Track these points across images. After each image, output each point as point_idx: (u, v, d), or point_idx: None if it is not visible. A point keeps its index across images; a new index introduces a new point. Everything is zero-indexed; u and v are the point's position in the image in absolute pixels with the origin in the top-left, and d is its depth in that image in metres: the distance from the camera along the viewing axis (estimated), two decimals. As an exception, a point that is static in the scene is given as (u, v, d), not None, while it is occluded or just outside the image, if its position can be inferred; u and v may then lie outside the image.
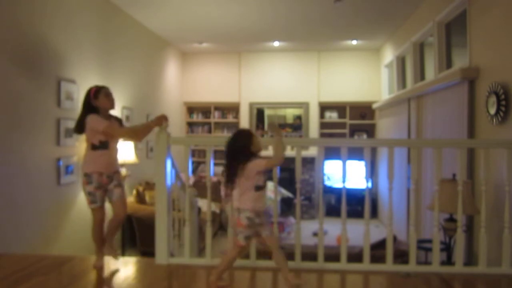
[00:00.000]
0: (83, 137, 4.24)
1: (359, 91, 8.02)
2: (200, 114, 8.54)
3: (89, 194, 2.81)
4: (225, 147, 2.39)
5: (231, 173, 2.34)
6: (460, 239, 2.84)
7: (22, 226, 3.48)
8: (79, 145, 4.30)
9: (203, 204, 5.52)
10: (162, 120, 2.82)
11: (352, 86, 8.07)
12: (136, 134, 2.91)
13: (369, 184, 3.04)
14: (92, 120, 2.77)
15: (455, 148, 2.89)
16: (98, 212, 2.88)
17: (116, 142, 2.91)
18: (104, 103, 2.89)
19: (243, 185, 2.36)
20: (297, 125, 8.25)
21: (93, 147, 2.80)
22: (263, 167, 2.35)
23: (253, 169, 2.33)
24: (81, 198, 4.32)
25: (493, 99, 3.24)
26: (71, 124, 4.13)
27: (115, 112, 5.23)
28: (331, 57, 8.14)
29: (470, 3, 3.79)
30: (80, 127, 2.84)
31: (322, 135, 8.16)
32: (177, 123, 7.91)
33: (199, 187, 6.06)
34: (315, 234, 6.02)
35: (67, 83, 4.09)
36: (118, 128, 2.90)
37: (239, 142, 2.37)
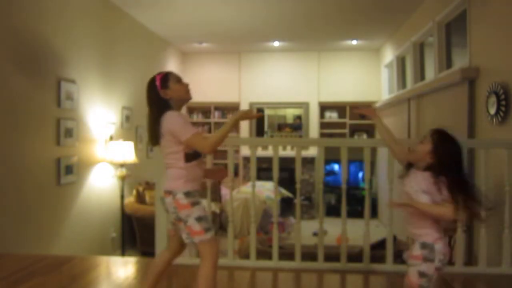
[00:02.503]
0: (83, 137, 4.22)
1: (359, 91, 8.02)
2: (200, 114, 8.53)
3: (200, 219, 2.03)
4: None
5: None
6: (460, 239, 2.83)
7: (22, 226, 3.48)
8: (79, 145, 4.30)
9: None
10: (248, 114, 2.19)
11: (352, 86, 8.06)
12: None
13: (369, 185, 3.04)
14: (176, 120, 2.04)
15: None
16: (216, 244, 2.11)
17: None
18: (179, 92, 2.17)
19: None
20: (297, 125, 8.24)
21: (187, 157, 2.08)
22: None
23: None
24: (81, 198, 4.33)
25: (493, 99, 3.24)
26: (71, 124, 4.14)
27: (116, 113, 5.27)
28: (331, 57, 8.13)
29: (470, 3, 3.79)
30: (156, 136, 2.09)
31: (322, 135, 8.15)
32: (177, 123, 7.90)
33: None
34: (315, 234, 6.02)
35: (67, 83, 4.09)
36: (205, 139, 2.06)
37: None
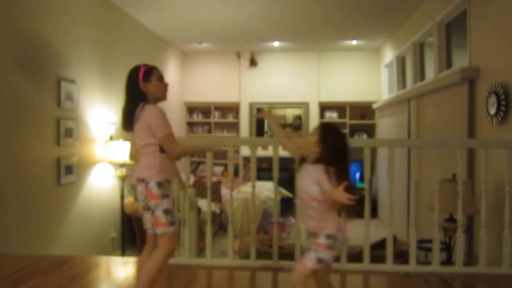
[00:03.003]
0: (83, 137, 4.24)
1: (359, 91, 8.02)
2: (200, 114, 8.53)
3: (167, 212, 2.08)
4: None
5: None
6: (460, 239, 2.83)
7: (22, 226, 3.48)
8: (79, 145, 4.30)
9: (203, 204, 5.52)
10: (217, 149, 2.31)
11: (352, 86, 8.06)
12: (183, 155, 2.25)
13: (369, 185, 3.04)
14: (156, 116, 2.08)
15: (455, 148, 2.89)
16: (175, 240, 2.18)
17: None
18: (157, 90, 2.18)
19: None
20: (297, 125, 8.24)
21: (162, 149, 2.12)
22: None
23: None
24: (81, 198, 4.33)
25: (493, 99, 3.24)
26: (71, 124, 4.14)
27: (116, 113, 5.26)
28: (331, 57, 8.13)
29: (470, 3, 3.79)
30: (130, 122, 2.14)
31: (322, 135, 8.13)
32: (177, 123, 7.91)
33: (199, 187, 6.06)
34: (315, 234, 6.01)
35: (67, 83, 4.09)
36: (176, 143, 2.14)
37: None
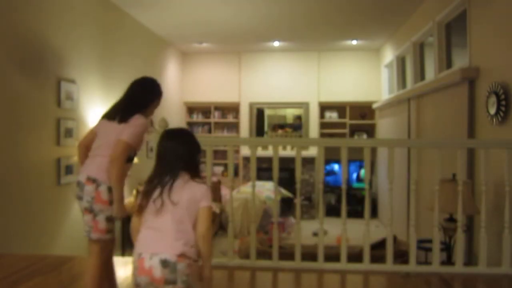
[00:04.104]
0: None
1: (359, 91, 8.02)
2: (200, 114, 8.53)
3: (109, 220, 2.12)
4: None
5: None
6: (460, 239, 2.83)
7: (22, 226, 3.48)
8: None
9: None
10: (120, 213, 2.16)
11: (352, 86, 8.06)
12: (114, 168, 2.06)
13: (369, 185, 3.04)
14: (139, 125, 2.11)
15: (455, 148, 2.89)
16: (109, 247, 2.23)
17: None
18: (152, 112, 2.27)
19: None
20: (297, 125, 8.24)
21: (129, 158, 2.14)
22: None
23: None
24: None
25: (493, 99, 3.24)
26: (71, 124, 4.14)
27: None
28: (331, 57, 8.13)
29: (470, 3, 3.79)
30: (114, 116, 2.15)
31: (322, 135, 8.15)
32: (177, 123, 7.91)
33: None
34: (315, 234, 6.02)
35: (67, 83, 4.09)
36: (121, 160, 2.09)
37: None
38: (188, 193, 1.71)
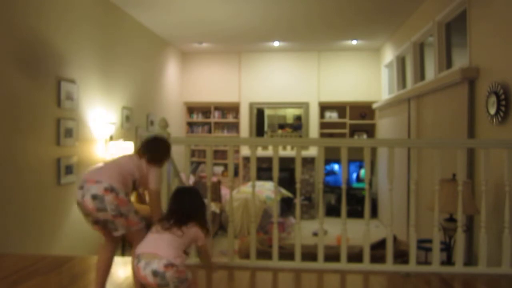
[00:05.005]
0: (83, 137, 4.23)
1: (359, 91, 8.02)
2: (200, 114, 8.53)
3: (136, 212, 2.31)
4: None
5: None
6: (460, 239, 2.84)
7: (22, 226, 3.48)
8: (79, 145, 4.30)
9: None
10: None
11: (352, 86, 8.07)
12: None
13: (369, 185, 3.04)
14: (155, 175, 2.37)
15: (455, 148, 2.89)
16: (144, 232, 2.36)
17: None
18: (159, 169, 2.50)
19: None
20: (297, 125, 8.24)
21: (134, 187, 2.39)
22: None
23: None
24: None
25: (493, 99, 3.24)
26: (71, 124, 4.14)
27: (116, 113, 5.26)
28: (331, 57, 8.14)
29: (470, 3, 3.79)
30: (159, 160, 2.41)
31: (322, 135, 8.16)
32: (177, 123, 7.91)
33: (199, 187, 6.06)
34: (315, 234, 6.02)
35: (67, 83, 4.09)
36: (157, 203, 2.42)
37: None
38: (191, 233, 2.10)
